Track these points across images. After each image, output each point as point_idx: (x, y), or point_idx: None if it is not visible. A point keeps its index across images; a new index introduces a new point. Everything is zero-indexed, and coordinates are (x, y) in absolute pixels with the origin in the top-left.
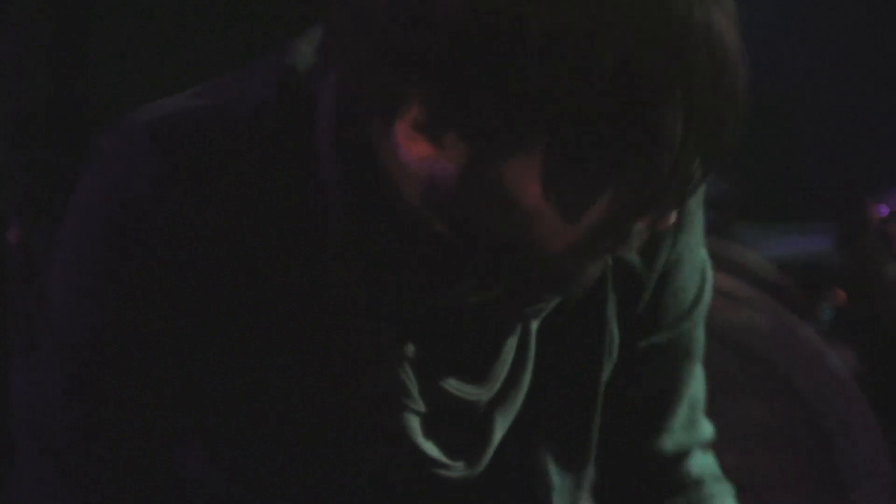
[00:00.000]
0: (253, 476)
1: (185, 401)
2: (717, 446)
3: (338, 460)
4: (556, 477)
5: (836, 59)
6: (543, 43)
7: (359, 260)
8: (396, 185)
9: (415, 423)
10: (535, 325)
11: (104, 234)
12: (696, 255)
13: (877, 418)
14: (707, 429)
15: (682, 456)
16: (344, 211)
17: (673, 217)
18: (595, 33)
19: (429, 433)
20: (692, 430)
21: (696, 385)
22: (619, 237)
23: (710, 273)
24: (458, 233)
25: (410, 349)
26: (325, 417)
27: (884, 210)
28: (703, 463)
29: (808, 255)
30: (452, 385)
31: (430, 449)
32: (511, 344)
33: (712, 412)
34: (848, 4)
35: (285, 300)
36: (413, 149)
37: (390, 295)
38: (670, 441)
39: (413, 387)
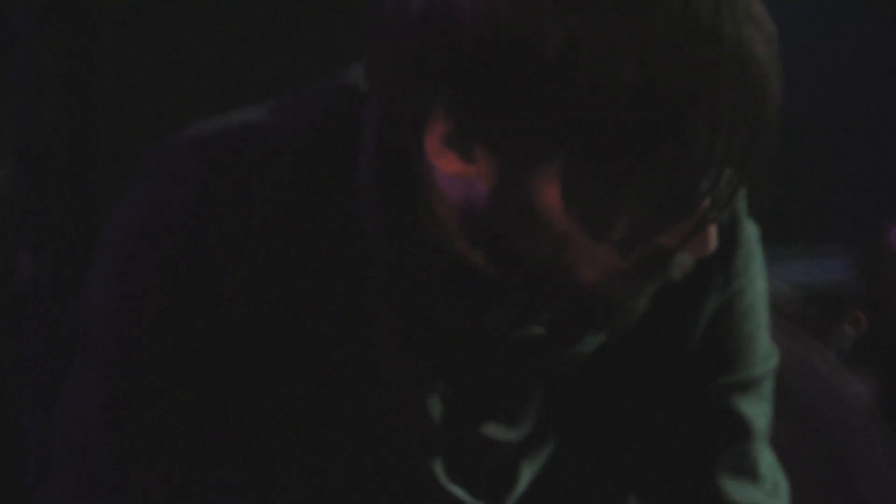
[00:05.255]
0: None
1: (218, 423)
2: None
3: (364, 499)
4: None
5: (854, 80)
6: (563, 53)
7: (396, 288)
8: (434, 211)
9: (439, 466)
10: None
11: (143, 247)
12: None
13: None
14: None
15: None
16: (381, 237)
17: (713, 240)
18: (616, 43)
19: (454, 474)
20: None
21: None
22: (657, 262)
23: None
24: (496, 259)
25: (441, 386)
26: (351, 454)
27: None
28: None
29: (826, 280)
30: (482, 426)
31: (457, 490)
32: (541, 385)
33: None
34: (868, 25)
35: (321, 326)
36: (443, 164)
37: (427, 326)
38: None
39: (440, 426)
